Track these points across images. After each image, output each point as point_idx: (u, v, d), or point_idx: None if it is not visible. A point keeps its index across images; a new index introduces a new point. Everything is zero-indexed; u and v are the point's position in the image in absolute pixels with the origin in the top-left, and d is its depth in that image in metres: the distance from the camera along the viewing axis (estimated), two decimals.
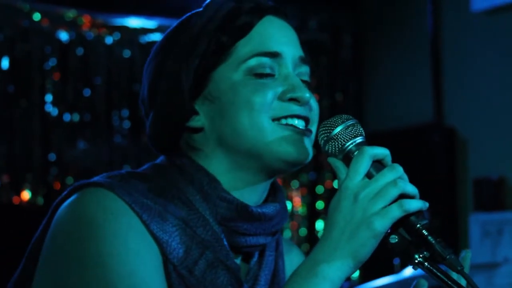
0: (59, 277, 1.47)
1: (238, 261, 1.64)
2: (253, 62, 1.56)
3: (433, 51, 5.39)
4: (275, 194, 1.68)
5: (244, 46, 1.58)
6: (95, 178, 1.53)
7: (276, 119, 1.56)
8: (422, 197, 1.47)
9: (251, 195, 1.61)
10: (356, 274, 5.36)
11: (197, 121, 1.59)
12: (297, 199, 5.69)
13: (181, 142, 1.62)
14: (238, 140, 1.56)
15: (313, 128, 1.61)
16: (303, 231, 5.66)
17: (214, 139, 1.59)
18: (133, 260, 1.44)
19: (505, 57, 4.95)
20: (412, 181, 1.48)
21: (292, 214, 5.68)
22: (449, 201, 5.19)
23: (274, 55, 1.57)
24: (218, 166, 1.59)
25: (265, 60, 1.56)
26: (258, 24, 1.59)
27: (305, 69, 1.63)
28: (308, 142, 1.59)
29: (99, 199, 1.47)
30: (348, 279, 5.27)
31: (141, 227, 1.48)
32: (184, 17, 1.64)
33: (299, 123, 1.58)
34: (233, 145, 1.57)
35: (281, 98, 1.56)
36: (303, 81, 1.62)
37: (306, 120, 1.59)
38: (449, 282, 1.42)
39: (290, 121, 1.57)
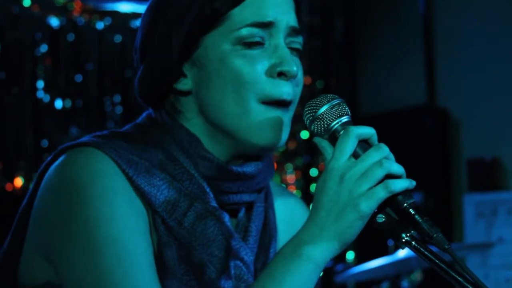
0: (46, 240, 1.47)
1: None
2: (244, 32, 1.54)
3: (426, 33, 5.38)
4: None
5: (238, 15, 1.55)
6: (80, 139, 1.52)
7: (264, 98, 1.55)
8: (416, 178, 1.46)
9: (231, 156, 1.60)
10: (351, 256, 5.37)
11: (184, 84, 1.58)
12: (291, 182, 5.70)
13: (166, 102, 1.62)
14: (219, 113, 1.55)
15: (295, 106, 1.61)
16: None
17: (197, 105, 1.58)
18: (118, 225, 1.44)
19: (498, 38, 4.94)
20: (405, 162, 1.47)
21: None
22: (443, 182, 5.20)
23: (266, 24, 1.55)
24: (198, 129, 1.58)
25: (256, 30, 1.55)
26: None
27: (297, 39, 1.62)
28: (286, 129, 1.59)
29: (86, 160, 1.47)
30: (343, 261, 5.30)
31: (127, 186, 1.48)
32: None
33: (287, 97, 1.56)
34: (213, 117, 1.57)
35: (270, 73, 1.55)
36: (294, 49, 1.60)
37: (291, 103, 1.58)
38: (437, 261, 1.42)
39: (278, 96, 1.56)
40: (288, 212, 1.80)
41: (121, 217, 1.45)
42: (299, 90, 1.61)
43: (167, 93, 1.60)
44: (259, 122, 1.55)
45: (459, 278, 1.39)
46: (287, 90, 1.56)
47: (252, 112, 1.54)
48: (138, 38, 1.63)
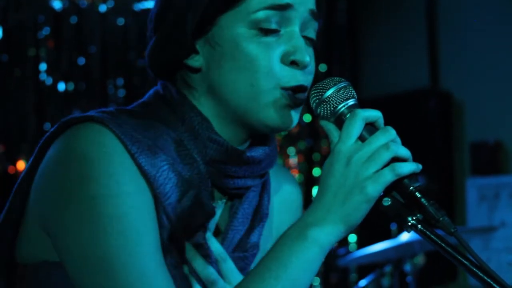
0: (49, 214, 1.46)
1: (224, 201, 1.64)
2: (261, 15, 1.53)
3: (429, 15, 5.37)
4: (264, 136, 1.67)
5: None
6: (85, 113, 1.50)
7: (284, 89, 1.54)
8: (419, 161, 1.46)
9: (239, 138, 1.60)
10: (353, 239, 5.38)
11: (196, 61, 1.57)
12: (294, 166, 5.70)
13: (177, 75, 1.61)
14: (231, 94, 1.55)
15: (306, 93, 1.60)
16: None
17: (207, 83, 1.57)
18: (124, 203, 1.43)
19: (501, 20, 4.93)
20: (408, 146, 1.47)
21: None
22: (446, 165, 5.20)
23: (284, 7, 1.54)
24: (207, 110, 1.58)
25: (273, 13, 1.53)
26: None
27: (312, 25, 1.60)
28: (298, 111, 1.59)
29: (93, 136, 1.45)
30: (346, 244, 5.29)
31: (132, 164, 1.47)
32: None
33: (303, 96, 1.57)
34: (222, 96, 1.56)
35: (283, 60, 1.54)
36: (308, 38, 1.59)
37: (304, 85, 1.58)
38: (443, 244, 1.42)
39: (297, 94, 1.56)
40: (281, 192, 1.80)
41: (128, 194, 1.44)
42: (311, 78, 1.61)
43: (178, 68, 1.59)
44: (272, 104, 1.54)
45: (464, 261, 1.40)
46: (302, 78, 1.56)
47: (266, 95, 1.54)
48: (154, 8, 1.62)
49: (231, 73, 1.54)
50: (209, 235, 1.58)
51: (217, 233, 1.62)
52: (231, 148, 1.57)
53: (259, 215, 1.68)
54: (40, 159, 1.52)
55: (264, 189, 1.71)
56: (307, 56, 1.55)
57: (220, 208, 1.64)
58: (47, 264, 1.49)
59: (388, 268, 4.17)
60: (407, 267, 4.05)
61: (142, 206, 1.46)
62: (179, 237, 1.53)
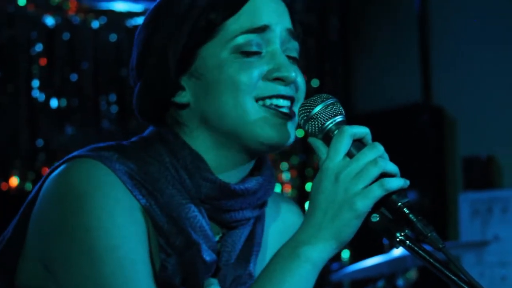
0: (45, 249, 1.47)
1: (220, 235, 1.63)
2: (240, 40, 1.54)
3: (421, 31, 5.39)
4: (260, 167, 1.67)
5: (233, 24, 1.55)
6: (83, 150, 1.52)
7: (261, 99, 1.54)
8: (411, 176, 1.46)
9: (235, 172, 1.60)
10: (347, 254, 5.37)
11: (183, 97, 1.57)
12: (287, 181, 5.69)
13: (167, 116, 1.61)
14: (221, 119, 1.55)
15: (289, 103, 1.60)
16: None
17: (198, 116, 1.57)
18: (118, 234, 1.45)
19: (494, 37, 4.94)
20: (401, 161, 1.47)
21: None
22: (438, 180, 5.20)
23: (262, 29, 1.55)
24: (202, 143, 1.58)
25: (253, 37, 1.54)
26: (248, 3, 1.57)
27: (293, 45, 1.61)
28: (291, 125, 1.58)
29: (88, 170, 1.47)
30: (339, 259, 5.29)
31: (127, 196, 1.48)
32: None
33: (284, 103, 1.56)
34: (215, 124, 1.56)
35: (266, 77, 1.54)
36: (291, 57, 1.59)
37: (292, 99, 1.58)
38: (431, 260, 1.42)
39: (274, 101, 1.55)
40: (280, 222, 1.79)
41: (121, 226, 1.45)
42: (301, 94, 1.61)
43: (167, 108, 1.60)
44: (258, 120, 1.54)
45: (453, 277, 1.40)
46: (283, 89, 1.56)
47: (249, 111, 1.54)
48: (134, 55, 1.63)
49: (217, 99, 1.55)
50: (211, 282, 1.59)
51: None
52: (223, 185, 1.56)
53: (251, 245, 1.67)
54: (38, 194, 1.53)
55: (258, 219, 1.71)
56: (292, 71, 1.55)
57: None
58: None
59: (381, 283, 4.17)
60: (400, 282, 4.05)
61: (135, 237, 1.47)
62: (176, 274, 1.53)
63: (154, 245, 1.51)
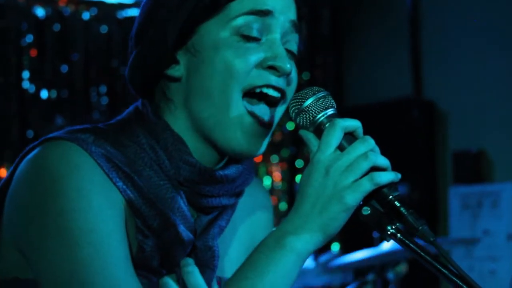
0: (20, 232, 1.46)
1: (195, 217, 1.62)
2: (241, 20, 1.52)
3: (412, 25, 5.39)
4: None
5: (236, 5, 1.53)
6: (59, 132, 1.50)
7: (250, 89, 1.53)
8: (402, 170, 1.46)
9: (214, 156, 1.59)
10: (337, 247, 5.38)
11: (176, 71, 1.56)
12: (277, 174, 5.70)
13: (156, 89, 1.60)
14: (203, 101, 1.54)
15: (283, 107, 1.59)
16: (283, 206, 5.68)
17: (185, 93, 1.56)
18: (94, 217, 1.43)
19: (484, 32, 4.95)
20: (391, 154, 1.47)
21: (272, 189, 5.69)
22: (428, 174, 5.22)
23: (264, 13, 1.54)
24: (182, 124, 1.57)
25: (254, 19, 1.53)
26: None
27: (293, 37, 1.60)
28: (265, 136, 1.57)
29: (63, 152, 1.45)
30: (327, 250, 5.29)
31: (104, 179, 1.47)
32: None
33: (273, 93, 1.55)
34: (196, 106, 1.55)
35: (261, 65, 1.53)
36: (289, 51, 1.58)
37: (282, 93, 1.57)
38: (422, 253, 1.42)
39: (264, 89, 1.54)
40: (250, 202, 1.77)
41: (97, 208, 1.44)
42: (291, 89, 1.60)
43: (158, 80, 1.59)
44: (236, 120, 1.53)
45: (444, 270, 1.40)
46: (275, 80, 1.54)
47: (232, 104, 1.53)
48: (135, 26, 1.62)
49: (207, 79, 1.53)
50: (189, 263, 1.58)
51: None
52: (203, 168, 1.55)
53: (219, 226, 1.66)
54: (12, 178, 1.51)
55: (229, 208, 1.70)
56: (287, 63, 1.55)
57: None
58: (18, 281, 1.48)
59: (371, 276, 4.17)
60: (390, 275, 4.06)
61: (111, 220, 1.45)
62: (155, 256, 1.52)
63: (131, 227, 1.50)
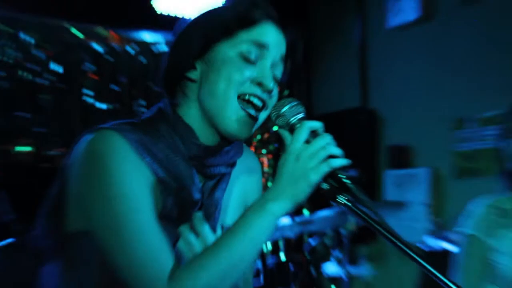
0: (81, 193, 1.45)
1: (203, 182, 1.62)
2: (245, 47, 1.53)
3: (361, 55, 5.38)
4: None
5: (244, 35, 1.55)
6: (107, 124, 1.51)
7: (242, 95, 1.53)
8: (352, 159, 1.47)
9: (215, 137, 1.59)
10: (306, 212, 5.37)
11: (193, 74, 1.57)
12: (265, 162, 5.69)
13: (177, 87, 1.60)
14: (209, 96, 1.54)
15: (266, 113, 1.59)
16: (269, 183, 5.65)
17: (198, 90, 1.57)
18: (130, 183, 1.42)
19: (414, 60, 4.95)
20: (345, 148, 1.47)
21: (263, 172, 5.66)
22: (371, 162, 5.21)
23: (262, 45, 1.54)
24: (193, 115, 1.57)
25: (254, 48, 1.54)
26: (261, 24, 1.56)
27: (280, 67, 1.61)
28: (253, 126, 1.57)
29: (109, 137, 1.45)
30: (300, 213, 5.24)
31: (136, 157, 1.47)
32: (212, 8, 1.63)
33: (257, 102, 1.55)
34: (204, 99, 1.55)
35: (252, 80, 1.54)
36: (274, 76, 1.59)
37: (264, 102, 1.57)
38: (364, 216, 1.42)
39: (252, 98, 1.55)
40: (243, 167, 1.76)
41: (129, 176, 1.43)
42: (272, 101, 1.60)
43: (180, 80, 1.58)
44: (232, 111, 1.53)
45: (378, 227, 1.40)
46: (260, 92, 1.55)
47: (230, 102, 1.53)
48: (171, 44, 1.62)
49: (214, 82, 1.54)
50: (198, 216, 1.56)
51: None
52: (207, 147, 1.56)
53: (221, 189, 1.65)
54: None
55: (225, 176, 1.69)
56: (271, 83, 1.55)
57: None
58: (78, 232, 1.47)
59: (329, 231, 4.17)
60: (342, 231, 4.06)
61: (142, 184, 1.45)
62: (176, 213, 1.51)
63: (157, 190, 1.49)
